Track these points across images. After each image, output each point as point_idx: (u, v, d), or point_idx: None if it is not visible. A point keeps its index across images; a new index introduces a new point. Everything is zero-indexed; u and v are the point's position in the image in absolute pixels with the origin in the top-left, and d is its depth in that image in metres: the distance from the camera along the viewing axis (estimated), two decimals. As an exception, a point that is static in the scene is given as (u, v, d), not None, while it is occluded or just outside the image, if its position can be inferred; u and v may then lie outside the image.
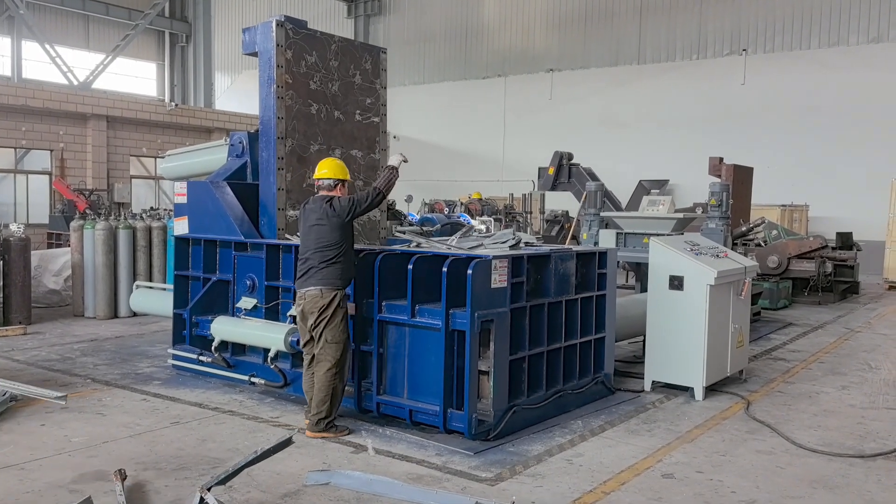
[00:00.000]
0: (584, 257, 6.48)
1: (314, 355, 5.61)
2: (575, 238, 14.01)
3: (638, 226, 9.04)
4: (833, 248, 14.47)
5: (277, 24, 6.93)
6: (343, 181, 5.78)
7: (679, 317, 6.68)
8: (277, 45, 6.91)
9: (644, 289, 8.19)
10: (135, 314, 10.36)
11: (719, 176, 12.34)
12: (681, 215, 9.16)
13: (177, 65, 31.74)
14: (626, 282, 13.79)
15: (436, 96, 27.97)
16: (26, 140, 19.29)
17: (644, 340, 7.34)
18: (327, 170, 5.76)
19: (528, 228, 18.11)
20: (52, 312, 10.97)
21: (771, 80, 21.57)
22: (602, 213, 9.82)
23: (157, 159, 20.49)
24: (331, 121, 7.46)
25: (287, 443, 4.17)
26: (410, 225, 10.94)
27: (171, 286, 7.82)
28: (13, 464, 4.84)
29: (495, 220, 17.26)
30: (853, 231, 15.58)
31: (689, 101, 22.72)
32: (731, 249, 8.64)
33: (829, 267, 13.87)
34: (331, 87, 7.44)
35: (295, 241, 6.84)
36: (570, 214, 17.53)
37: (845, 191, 20.13)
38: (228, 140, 7.84)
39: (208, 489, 3.86)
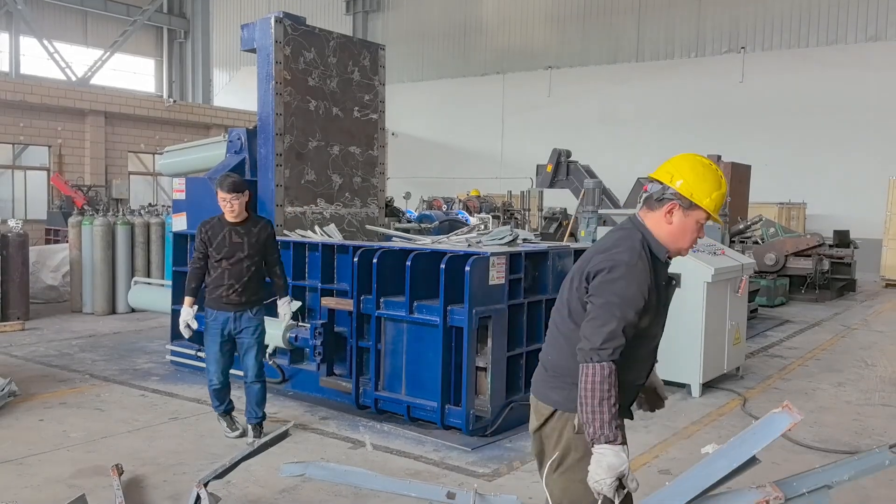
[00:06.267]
0: (581, 254, 6.48)
1: None
2: (573, 235, 14.00)
3: (636, 223, 9.03)
4: (830, 246, 14.51)
5: (276, 21, 6.94)
6: None
7: (676, 314, 6.66)
8: (276, 42, 6.91)
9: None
10: (133, 310, 10.35)
11: (717, 173, 12.34)
12: (678, 213, 9.17)
13: (175, 61, 31.65)
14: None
15: (434, 93, 27.95)
16: (24, 136, 19.27)
17: (641, 337, 7.35)
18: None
19: (527, 225, 18.11)
20: (50, 308, 10.96)
21: (769, 78, 21.59)
22: (600, 211, 9.83)
23: (156, 155, 20.49)
24: (329, 117, 7.46)
25: (283, 435, 4.18)
26: (409, 222, 10.94)
27: (170, 282, 7.83)
28: (12, 458, 4.85)
29: (493, 217, 17.28)
30: (850, 229, 15.61)
31: (687, 99, 22.72)
32: (729, 247, 8.65)
33: (826, 264, 13.91)
34: (329, 84, 7.44)
35: (294, 237, 6.85)
36: (569, 212, 17.52)
37: (843, 189, 20.17)
38: (227, 136, 7.85)
39: (205, 484, 3.87)
